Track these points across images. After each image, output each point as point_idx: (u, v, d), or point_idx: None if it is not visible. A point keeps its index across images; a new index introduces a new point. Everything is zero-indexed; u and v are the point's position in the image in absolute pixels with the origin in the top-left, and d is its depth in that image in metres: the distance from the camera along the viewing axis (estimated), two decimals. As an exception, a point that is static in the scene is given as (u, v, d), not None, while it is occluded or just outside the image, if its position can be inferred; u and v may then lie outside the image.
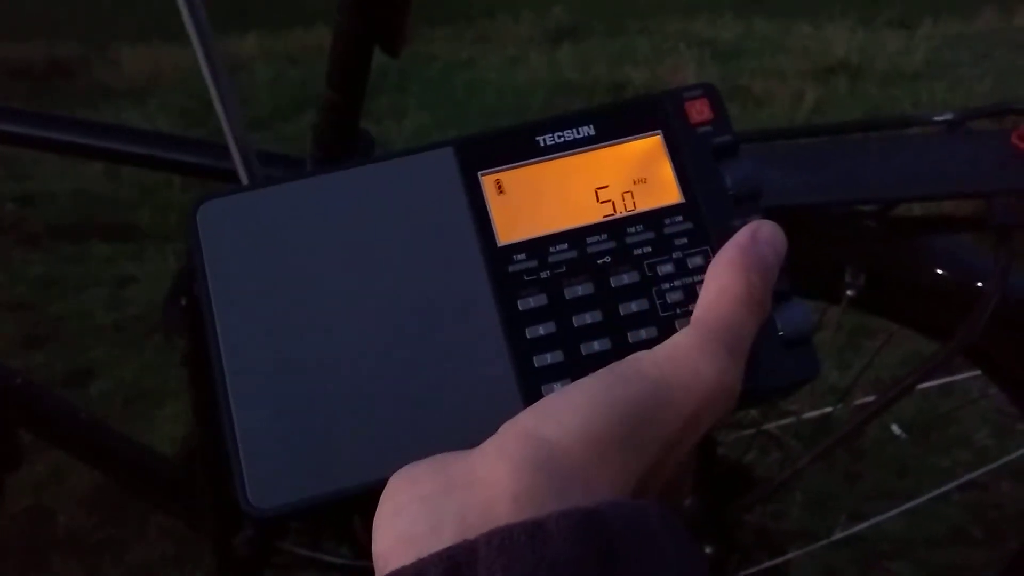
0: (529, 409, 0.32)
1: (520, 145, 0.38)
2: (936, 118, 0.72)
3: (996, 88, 3.03)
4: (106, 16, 4.44)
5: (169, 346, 0.89)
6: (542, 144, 0.38)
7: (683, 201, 0.38)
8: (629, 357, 0.33)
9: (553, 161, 0.38)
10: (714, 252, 0.36)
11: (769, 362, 0.36)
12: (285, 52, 3.90)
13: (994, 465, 1.34)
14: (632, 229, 0.37)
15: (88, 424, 0.95)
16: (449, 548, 0.27)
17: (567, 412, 0.31)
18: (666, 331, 0.35)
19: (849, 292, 0.76)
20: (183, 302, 0.79)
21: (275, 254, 0.36)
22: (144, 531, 1.54)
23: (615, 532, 0.27)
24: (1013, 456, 1.22)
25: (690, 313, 0.35)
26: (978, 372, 0.88)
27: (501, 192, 0.37)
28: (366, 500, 0.33)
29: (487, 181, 0.37)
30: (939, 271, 0.76)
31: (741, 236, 0.35)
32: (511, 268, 0.36)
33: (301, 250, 0.36)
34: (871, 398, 0.78)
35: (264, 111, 3.22)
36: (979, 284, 0.73)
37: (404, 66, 3.54)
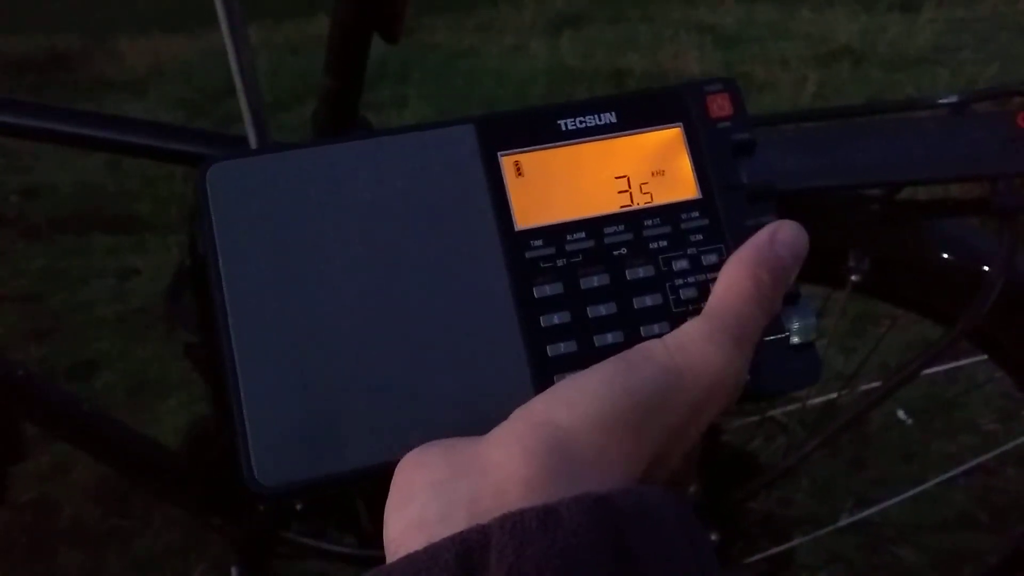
0: (541, 395, 0.32)
1: (542, 127, 0.38)
2: (940, 101, 0.71)
3: (1000, 72, 3.02)
4: (106, 8, 4.43)
5: (172, 338, 0.89)
6: (563, 128, 0.38)
7: (700, 197, 0.38)
8: (639, 345, 0.33)
9: (572, 146, 0.38)
10: (728, 250, 0.37)
11: (773, 364, 0.36)
12: (286, 42, 3.90)
13: (1000, 450, 1.34)
14: (649, 222, 0.37)
15: (91, 416, 0.95)
16: (462, 532, 0.27)
17: (579, 398, 0.31)
18: (677, 327, 0.35)
19: (854, 277, 0.75)
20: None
21: (286, 222, 0.35)
22: (149, 522, 1.54)
23: (626, 517, 0.28)
24: (1019, 441, 1.22)
25: (701, 310, 0.35)
26: (984, 356, 0.88)
27: (520, 174, 0.37)
28: (371, 482, 0.33)
29: (506, 162, 0.37)
30: (944, 255, 0.75)
31: (760, 235, 0.36)
32: (528, 254, 0.36)
33: (313, 219, 0.35)
34: (876, 384, 0.78)
35: (265, 101, 3.22)
36: (984, 268, 0.72)
37: (405, 55, 3.53)
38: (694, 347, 0.33)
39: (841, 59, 3.32)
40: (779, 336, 0.37)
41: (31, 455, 1.06)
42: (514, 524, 0.27)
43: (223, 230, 0.35)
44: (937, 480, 1.20)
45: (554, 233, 0.36)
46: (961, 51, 3.35)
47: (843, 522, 1.20)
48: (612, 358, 0.32)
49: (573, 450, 0.30)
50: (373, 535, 1.07)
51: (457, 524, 0.28)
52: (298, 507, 1.04)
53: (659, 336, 0.34)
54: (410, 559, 0.27)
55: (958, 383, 1.59)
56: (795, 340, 0.37)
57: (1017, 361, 0.84)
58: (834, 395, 1.02)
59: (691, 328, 0.34)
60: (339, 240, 0.35)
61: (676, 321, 0.36)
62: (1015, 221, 0.67)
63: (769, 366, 0.36)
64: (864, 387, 0.97)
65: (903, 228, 0.77)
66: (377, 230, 0.35)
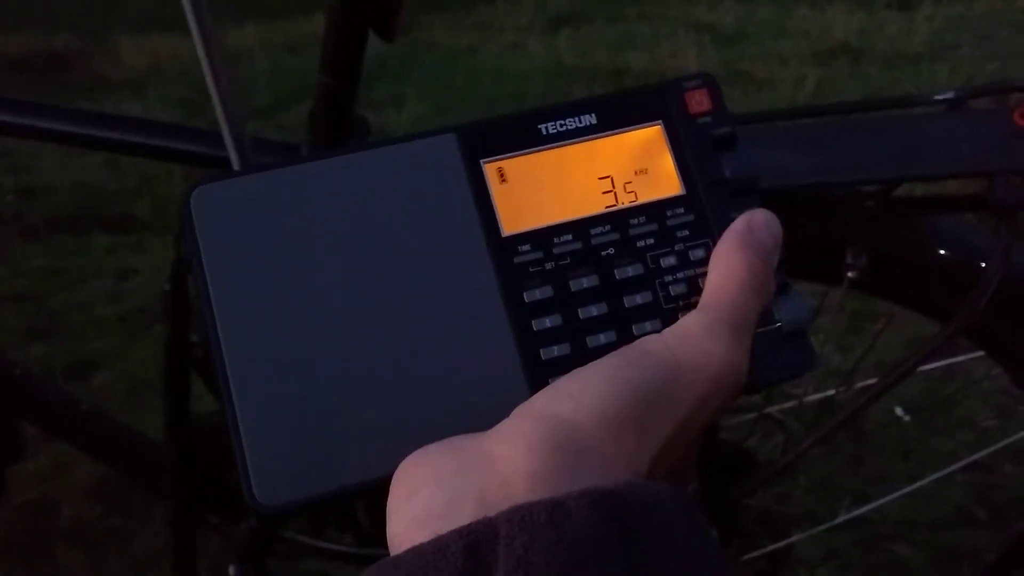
0: (543, 391, 0.32)
1: (523, 133, 0.38)
2: (937, 97, 0.71)
3: (998, 70, 3.02)
4: (105, 7, 4.43)
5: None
6: (544, 132, 0.38)
7: (684, 193, 0.38)
8: (639, 340, 0.33)
9: (555, 150, 0.38)
10: (715, 244, 0.37)
11: (768, 354, 0.36)
12: (284, 42, 3.89)
13: (997, 446, 1.34)
14: (635, 221, 0.37)
15: (90, 415, 0.95)
16: (469, 525, 0.27)
17: (581, 392, 0.31)
18: (669, 323, 0.35)
19: (851, 274, 0.75)
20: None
21: (273, 242, 0.35)
22: (148, 521, 1.54)
23: (633, 512, 0.28)
24: (1016, 437, 1.22)
25: (692, 305, 0.35)
26: (981, 353, 0.88)
27: (504, 181, 0.37)
28: (373, 494, 0.33)
29: (490, 169, 0.37)
30: (941, 251, 0.75)
31: (737, 224, 0.36)
32: (516, 259, 0.36)
33: (300, 238, 0.35)
34: (873, 381, 0.78)
35: (264, 101, 3.22)
36: (981, 264, 0.72)
37: (403, 54, 3.53)
38: (693, 340, 0.33)
39: (840, 57, 3.32)
40: (770, 327, 0.37)
41: (31, 455, 1.06)
42: (522, 517, 0.27)
43: (210, 253, 0.35)
44: (935, 477, 1.20)
45: (541, 237, 0.37)
46: (960, 48, 3.35)
47: (841, 519, 1.20)
48: (613, 353, 0.33)
49: (577, 443, 0.30)
50: (371, 534, 1.07)
51: (463, 518, 0.28)
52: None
53: (651, 333, 0.34)
54: (416, 551, 0.27)
55: (956, 380, 1.59)
56: (787, 330, 0.37)
57: (1014, 357, 0.84)
58: (832, 392, 1.01)
59: (690, 322, 0.34)
60: (327, 257, 0.35)
61: (667, 317, 0.36)
62: (1012, 217, 0.67)
63: (763, 357, 0.36)
64: (861, 384, 0.97)
65: (900, 225, 0.76)
66: (364, 245, 0.35)
